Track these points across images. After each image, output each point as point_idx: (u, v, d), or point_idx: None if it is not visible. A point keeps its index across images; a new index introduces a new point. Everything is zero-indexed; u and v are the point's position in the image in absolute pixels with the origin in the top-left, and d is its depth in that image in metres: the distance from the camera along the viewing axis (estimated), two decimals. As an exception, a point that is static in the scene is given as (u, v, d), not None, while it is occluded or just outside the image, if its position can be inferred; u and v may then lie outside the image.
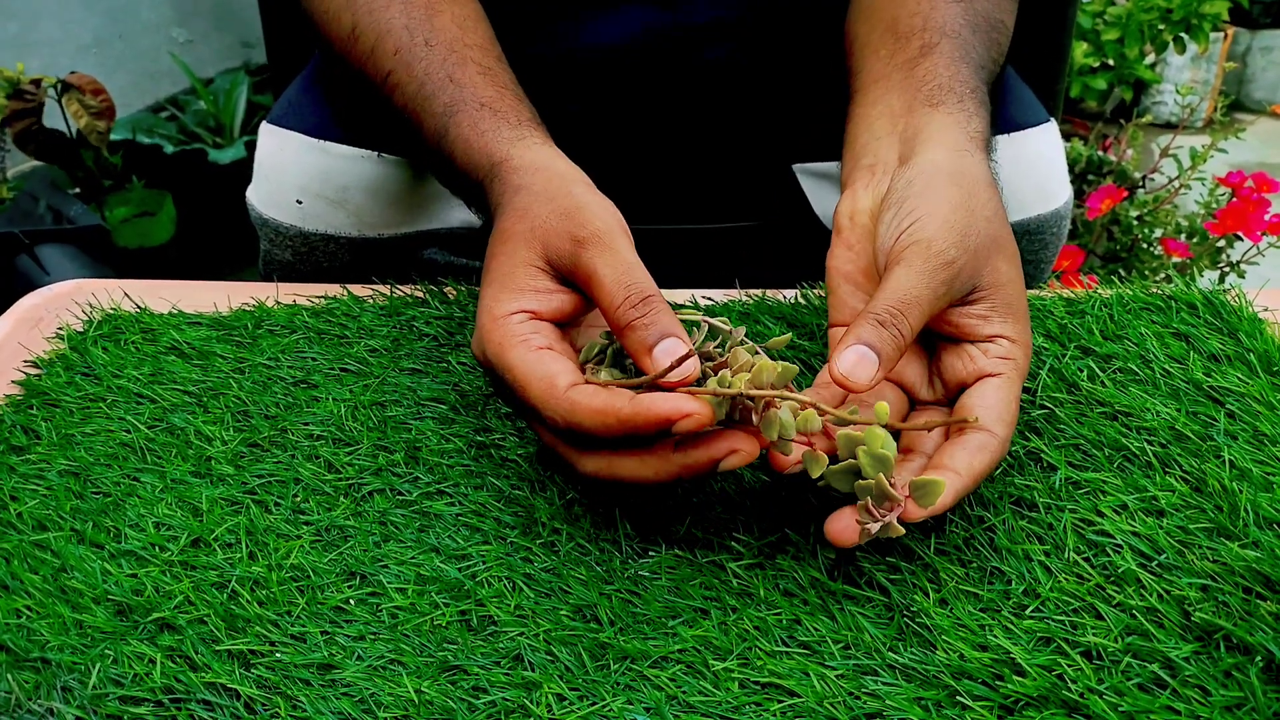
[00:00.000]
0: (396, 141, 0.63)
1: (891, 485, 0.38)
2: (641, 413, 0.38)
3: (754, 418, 0.39)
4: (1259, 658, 0.36)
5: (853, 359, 0.39)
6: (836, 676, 0.37)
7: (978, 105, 0.50)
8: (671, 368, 0.39)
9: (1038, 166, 0.65)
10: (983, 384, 0.43)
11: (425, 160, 0.58)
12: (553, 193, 0.45)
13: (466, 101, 0.52)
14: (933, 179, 0.44)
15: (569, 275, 0.43)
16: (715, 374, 0.41)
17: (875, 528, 0.38)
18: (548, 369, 0.40)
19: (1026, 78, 0.72)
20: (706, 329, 0.44)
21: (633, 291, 0.41)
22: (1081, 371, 0.51)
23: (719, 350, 0.43)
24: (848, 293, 0.47)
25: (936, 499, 0.38)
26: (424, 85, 0.54)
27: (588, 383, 0.41)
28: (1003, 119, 0.65)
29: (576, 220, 0.43)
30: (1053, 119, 0.68)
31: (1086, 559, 0.41)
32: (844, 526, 0.39)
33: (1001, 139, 0.64)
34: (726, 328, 0.44)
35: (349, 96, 0.65)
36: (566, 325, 0.45)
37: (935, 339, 0.45)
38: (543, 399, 0.40)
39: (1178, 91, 1.50)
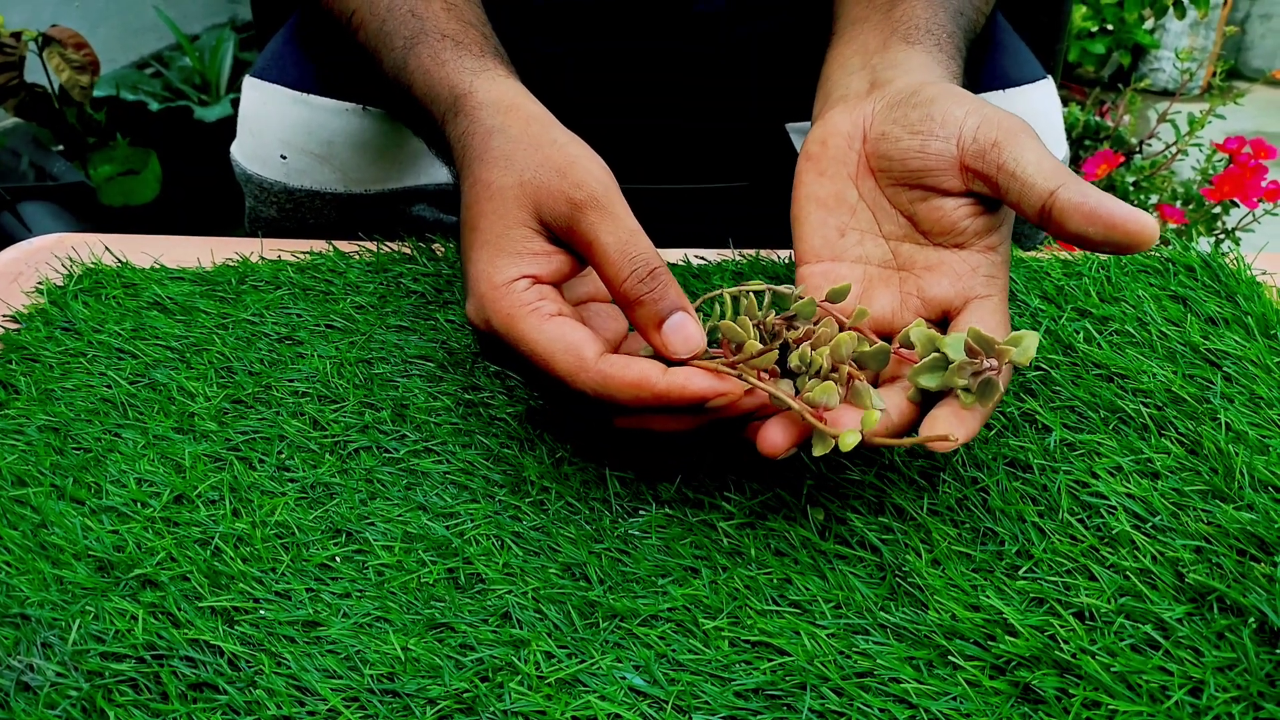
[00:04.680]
0: (367, 87, 0.62)
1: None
2: (676, 389, 0.38)
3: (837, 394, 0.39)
4: (1252, 619, 0.36)
5: (1124, 207, 0.37)
6: (827, 636, 0.37)
7: (955, 51, 0.49)
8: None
9: (1034, 123, 0.64)
10: (975, 306, 0.42)
11: (385, 99, 0.56)
12: (535, 139, 0.43)
13: (428, 33, 0.50)
14: (938, 86, 0.43)
15: (564, 238, 0.42)
16: (795, 347, 0.40)
17: (984, 366, 0.37)
18: (570, 339, 0.39)
19: (1025, 38, 0.71)
20: (769, 297, 0.43)
21: (639, 264, 0.40)
22: (1078, 333, 0.50)
23: (790, 322, 0.42)
24: (818, 220, 0.46)
25: (1033, 349, 0.37)
26: (385, 22, 0.52)
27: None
28: (999, 75, 0.64)
29: (571, 179, 0.41)
30: (1049, 76, 0.67)
31: (1080, 520, 0.41)
32: (776, 432, 0.38)
33: (998, 95, 0.63)
34: (789, 290, 0.43)
35: (329, 46, 0.63)
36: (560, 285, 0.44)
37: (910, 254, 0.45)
38: (571, 372, 0.39)
39: (1177, 57, 1.49)
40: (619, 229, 0.40)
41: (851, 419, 0.38)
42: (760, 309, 0.43)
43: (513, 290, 0.41)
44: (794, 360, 0.39)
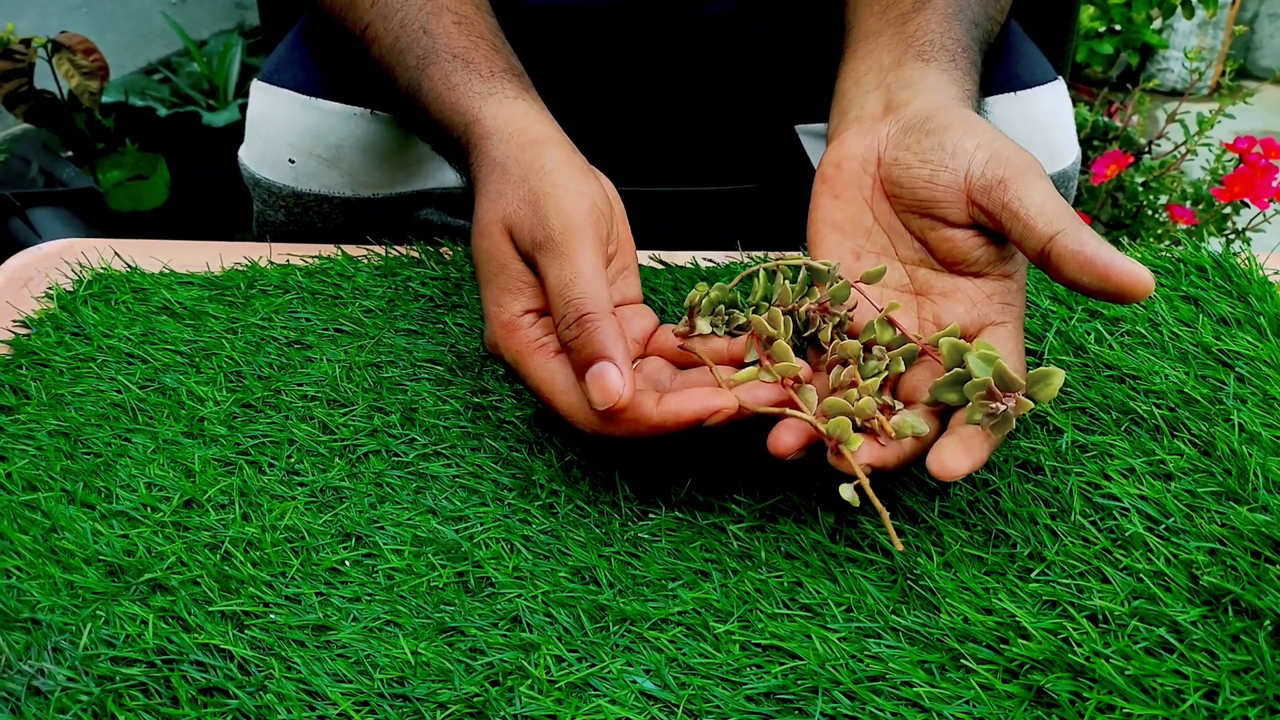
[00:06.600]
0: (376, 93, 0.62)
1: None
2: (670, 418, 0.39)
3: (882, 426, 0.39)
4: (1268, 621, 0.35)
5: (1120, 259, 0.36)
6: (838, 639, 0.36)
7: (969, 65, 0.49)
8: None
9: (1046, 125, 0.64)
10: (989, 333, 0.41)
11: (402, 116, 0.56)
12: (525, 168, 0.44)
13: (439, 53, 0.51)
14: (953, 113, 0.43)
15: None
16: (840, 337, 0.42)
17: (999, 409, 0.37)
18: (570, 380, 0.41)
19: (1033, 39, 0.71)
20: (804, 274, 0.43)
21: (570, 310, 0.40)
22: (1089, 334, 0.50)
23: (825, 311, 0.42)
24: (834, 243, 0.46)
25: (1055, 389, 0.37)
26: (399, 38, 0.52)
27: (687, 336, 0.43)
28: (1010, 77, 0.64)
29: (539, 214, 0.42)
30: (1060, 77, 0.66)
31: (1093, 522, 0.40)
32: (787, 433, 0.38)
33: (1009, 97, 0.63)
34: (825, 266, 0.43)
35: (337, 52, 0.63)
36: None
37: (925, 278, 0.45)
38: (570, 411, 0.41)
39: (1185, 57, 1.48)
40: (564, 270, 0.41)
41: (869, 451, 0.38)
42: (795, 284, 0.44)
43: (519, 327, 0.43)
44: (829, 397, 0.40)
